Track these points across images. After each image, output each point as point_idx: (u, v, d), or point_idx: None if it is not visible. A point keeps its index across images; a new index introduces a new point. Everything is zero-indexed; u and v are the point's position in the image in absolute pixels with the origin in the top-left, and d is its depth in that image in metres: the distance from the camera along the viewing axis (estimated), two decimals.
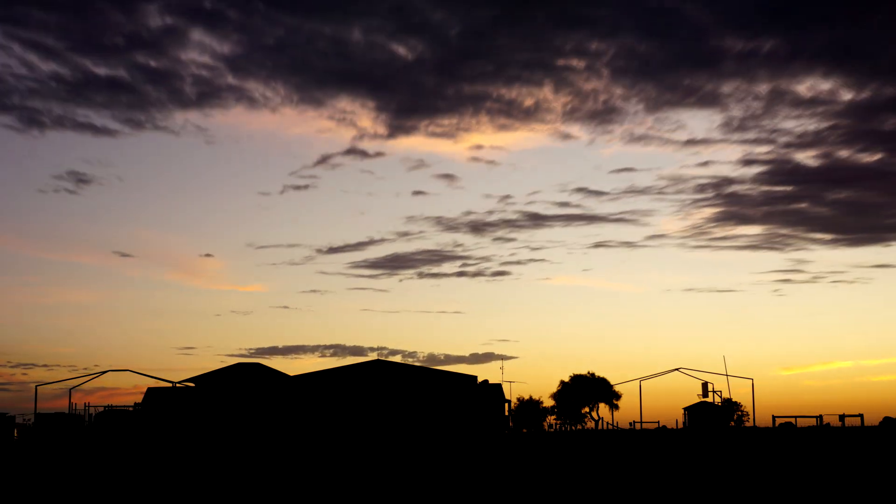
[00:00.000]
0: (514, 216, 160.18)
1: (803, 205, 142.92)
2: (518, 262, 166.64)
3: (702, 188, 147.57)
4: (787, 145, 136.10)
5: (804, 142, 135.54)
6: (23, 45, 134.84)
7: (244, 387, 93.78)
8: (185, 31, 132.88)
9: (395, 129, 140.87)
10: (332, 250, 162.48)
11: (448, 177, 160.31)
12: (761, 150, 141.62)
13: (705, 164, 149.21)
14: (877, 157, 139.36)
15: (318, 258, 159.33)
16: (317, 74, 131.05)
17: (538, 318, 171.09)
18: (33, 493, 24.95)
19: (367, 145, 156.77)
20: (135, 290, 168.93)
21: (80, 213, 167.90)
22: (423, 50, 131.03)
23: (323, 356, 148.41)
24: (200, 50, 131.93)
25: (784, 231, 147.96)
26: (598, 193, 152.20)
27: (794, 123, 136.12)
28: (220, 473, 32.81)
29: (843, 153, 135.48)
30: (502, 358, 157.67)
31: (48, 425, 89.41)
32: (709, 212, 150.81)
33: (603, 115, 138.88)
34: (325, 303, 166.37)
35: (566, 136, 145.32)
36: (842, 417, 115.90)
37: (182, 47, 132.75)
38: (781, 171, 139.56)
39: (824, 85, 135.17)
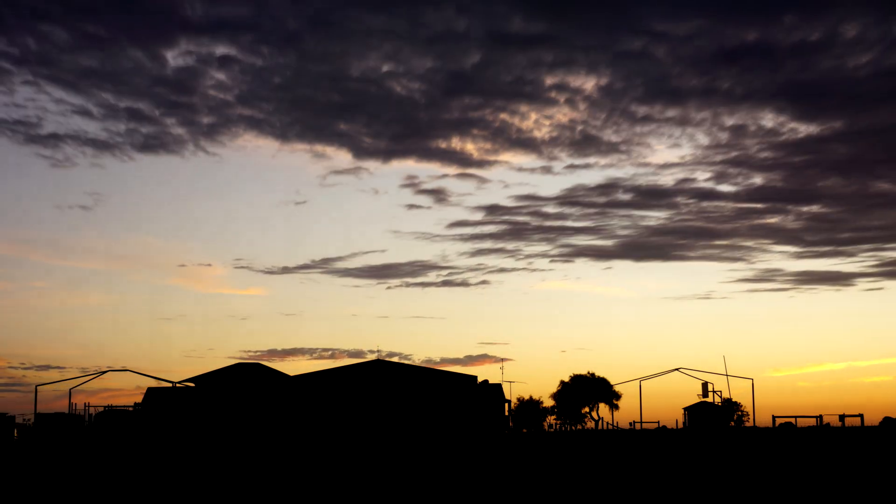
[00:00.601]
0: (497, 230, 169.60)
1: (773, 220, 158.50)
2: (502, 271, 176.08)
3: (675, 205, 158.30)
4: (753, 167, 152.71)
5: (767, 166, 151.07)
6: (53, 82, 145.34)
7: (244, 387, 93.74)
8: (202, 71, 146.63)
9: (389, 153, 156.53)
10: (327, 260, 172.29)
11: (436, 192, 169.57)
12: (731, 172, 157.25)
13: (679, 182, 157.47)
14: (831, 181, 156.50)
15: (314, 267, 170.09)
16: (318, 106, 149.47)
17: (529, 320, 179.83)
18: (33, 494, 24.92)
19: (362, 166, 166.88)
20: (139, 295, 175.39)
21: (92, 226, 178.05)
22: (414, 89, 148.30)
23: (321, 358, 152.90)
24: (214, 86, 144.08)
25: (750, 243, 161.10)
26: (579, 206, 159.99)
27: (757, 149, 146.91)
28: (221, 473, 32.78)
29: (802, 177, 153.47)
30: (495, 360, 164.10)
31: (48, 425, 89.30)
32: (683, 225, 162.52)
33: (582, 142, 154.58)
34: (320, 309, 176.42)
35: (549, 158, 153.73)
36: (842, 417, 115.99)
37: (198, 84, 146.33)
38: (748, 190, 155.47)
39: (779, 119, 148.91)
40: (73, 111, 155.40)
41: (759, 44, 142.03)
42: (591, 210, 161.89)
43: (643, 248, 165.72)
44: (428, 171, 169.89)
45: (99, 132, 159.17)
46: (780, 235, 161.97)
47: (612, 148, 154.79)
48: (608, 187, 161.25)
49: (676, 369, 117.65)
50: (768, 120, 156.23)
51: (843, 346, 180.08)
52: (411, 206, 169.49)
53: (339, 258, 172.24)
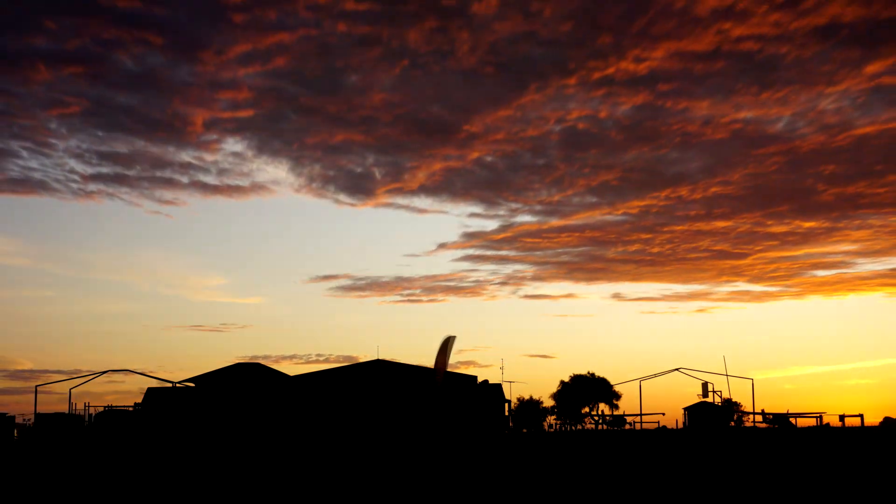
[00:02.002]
0: (477, 252, 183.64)
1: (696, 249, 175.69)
2: (485, 288, 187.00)
3: (625, 234, 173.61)
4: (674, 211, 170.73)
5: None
6: (95, 154, 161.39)
7: (244, 387, 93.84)
8: (223, 142, 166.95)
9: (374, 195, 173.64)
10: (319, 277, 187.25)
11: (418, 220, 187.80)
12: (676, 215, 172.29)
13: (628, 215, 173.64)
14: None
15: (308, 282, 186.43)
16: (317, 163, 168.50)
17: (509, 325, 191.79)
18: (33, 494, 24.96)
19: (352, 203, 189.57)
20: (144, 304, 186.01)
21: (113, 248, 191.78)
22: (403, 144, 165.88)
23: (316, 362, 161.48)
24: (236, 151, 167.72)
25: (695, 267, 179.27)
26: (547, 234, 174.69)
27: (687, 195, 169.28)
28: (221, 473, 32.80)
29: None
30: (477, 365, 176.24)
31: (48, 425, 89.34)
32: (647, 247, 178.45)
33: (554, 184, 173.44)
34: (313, 319, 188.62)
35: (516, 204, 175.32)
36: (842, 417, 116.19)
37: (221, 150, 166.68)
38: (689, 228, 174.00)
39: (699, 175, 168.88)
40: (113, 175, 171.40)
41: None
42: (554, 236, 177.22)
43: (610, 272, 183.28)
44: (409, 208, 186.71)
45: (132, 191, 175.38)
46: (701, 262, 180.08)
47: (579, 188, 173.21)
48: (569, 215, 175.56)
49: (676, 369, 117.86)
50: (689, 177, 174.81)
51: (823, 350, 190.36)
52: (392, 236, 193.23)
53: (332, 275, 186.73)
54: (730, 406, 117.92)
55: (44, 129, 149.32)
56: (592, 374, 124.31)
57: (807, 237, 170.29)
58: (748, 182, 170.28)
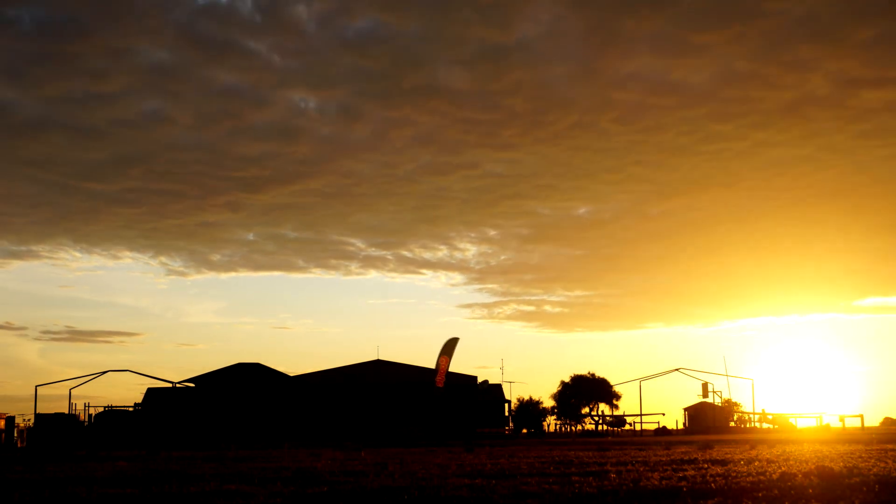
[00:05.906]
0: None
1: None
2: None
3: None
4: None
5: None
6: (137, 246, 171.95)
7: (244, 386, 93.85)
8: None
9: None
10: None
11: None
12: None
13: None
14: None
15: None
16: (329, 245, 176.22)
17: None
18: (33, 494, 24.93)
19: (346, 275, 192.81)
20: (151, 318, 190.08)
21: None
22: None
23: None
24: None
25: None
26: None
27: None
28: (220, 472, 32.78)
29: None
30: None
31: (48, 425, 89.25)
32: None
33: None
34: (303, 331, 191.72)
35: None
36: (842, 418, 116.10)
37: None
38: None
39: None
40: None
41: None
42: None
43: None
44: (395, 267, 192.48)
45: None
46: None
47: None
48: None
49: (676, 369, 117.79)
50: None
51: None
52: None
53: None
54: (730, 406, 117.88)
55: None
56: (593, 375, 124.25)
57: None
58: None
